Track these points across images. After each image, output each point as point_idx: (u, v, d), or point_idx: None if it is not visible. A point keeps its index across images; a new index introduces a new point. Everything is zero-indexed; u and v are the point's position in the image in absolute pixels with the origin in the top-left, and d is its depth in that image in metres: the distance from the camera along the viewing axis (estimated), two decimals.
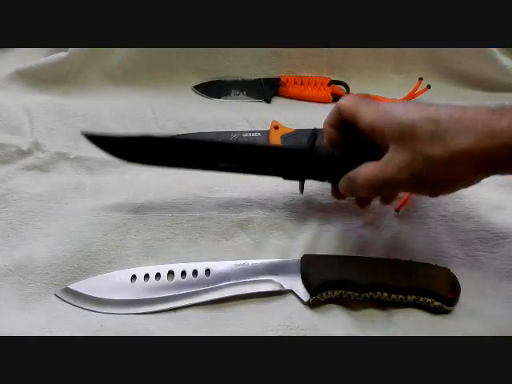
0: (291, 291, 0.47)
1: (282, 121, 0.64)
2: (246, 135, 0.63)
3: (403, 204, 0.53)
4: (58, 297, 0.48)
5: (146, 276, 0.48)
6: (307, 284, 0.47)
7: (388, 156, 0.43)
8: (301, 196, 0.54)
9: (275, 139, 0.62)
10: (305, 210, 0.54)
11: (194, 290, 0.47)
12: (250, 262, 0.49)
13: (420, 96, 0.68)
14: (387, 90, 0.70)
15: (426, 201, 0.54)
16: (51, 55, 0.68)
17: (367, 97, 0.47)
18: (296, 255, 0.50)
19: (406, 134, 0.41)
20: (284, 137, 0.62)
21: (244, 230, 0.53)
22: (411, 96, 0.68)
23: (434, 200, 0.54)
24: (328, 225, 0.54)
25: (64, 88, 0.68)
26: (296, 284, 0.47)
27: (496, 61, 0.68)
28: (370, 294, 0.46)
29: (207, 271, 0.48)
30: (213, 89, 0.71)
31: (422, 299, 0.46)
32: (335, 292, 0.46)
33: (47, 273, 0.49)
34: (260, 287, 0.47)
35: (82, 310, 0.47)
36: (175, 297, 0.47)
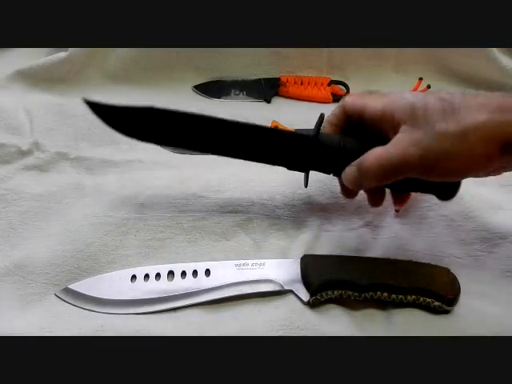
0: (291, 291, 0.47)
1: (282, 121, 0.64)
2: None
3: (403, 204, 0.53)
4: (58, 297, 0.48)
5: (146, 276, 0.48)
6: (307, 284, 0.47)
7: (398, 136, 0.42)
8: (301, 196, 0.54)
9: None
10: (305, 210, 0.54)
11: (193, 290, 0.47)
12: (250, 261, 0.49)
13: None
14: (387, 90, 0.69)
15: (426, 201, 0.54)
16: (51, 55, 0.68)
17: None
18: (296, 255, 0.50)
19: (418, 113, 0.41)
20: None
21: (244, 230, 0.53)
22: None
23: (434, 200, 0.54)
24: (328, 225, 0.54)
25: (64, 88, 0.68)
26: (296, 284, 0.47)
27: (496, 61, 0.68)
28: (370, 293, 0.46)
29: (207, 271, 0.48)
30: (213, 89, 0.71)
31: (422, 299, 0.46)
32: (335, 292, 0.46)
33: (47, 273, 0.49)
34: (260, 287, 0.47)
35: (82, 309, 0.47)
36: (175, 297, 0.47)
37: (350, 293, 0.46)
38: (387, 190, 0.48)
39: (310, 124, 0.56)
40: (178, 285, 0.48)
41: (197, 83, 0.71)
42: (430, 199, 0.54)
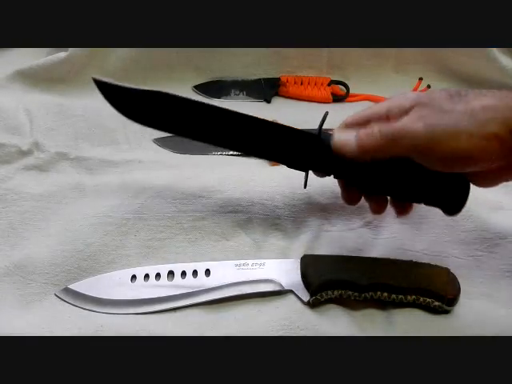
0: (291, 291, 0.47)
1: (281, 121, 0.63)
2: None
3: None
4: (58, 297, 0.48)
5: (146, 276, 0.48)
6: (307, 284, 0.47)
7: (403, 119, 0.41)
8: (301, 196, 0.54)
9: None
10: (305, 210, 0.54)
11: (194, 290, 0.47)
12: (250, 261, 0.49)
13: None
14: (387, 90, 0.70)
15: None
16: (51, 55, 0.68)
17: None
18: (296, 255, 0.50)
19: (423, 100, 0.40)
20: None
21: (244, 230, 0.53)
22: None
23: None
24: (328, 225, 0.54)
25: (64, 88, 0.68)
26: (296, 284, 0.47)
27: (496, 61, 0.68)
28: (370, 293, 0.46)
29: (207, 271, 0.48)
30: (213, 89, 0.71)
31: (422, 299, 0.46)
32: (335, 292, 0.46)
33: (47, 273, 0.49)
34: (260, 287, 0.47)
35: (82, 309, 0.47)
36: (175, 297, 0.47)
37: (350, 293, 0.46)
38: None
39: (309, 124, 0.56)
40: (178, 285, 0.48)
41: (197, 83, 0.71)
42: None
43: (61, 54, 0.67)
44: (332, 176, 0.47)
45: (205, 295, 0.47)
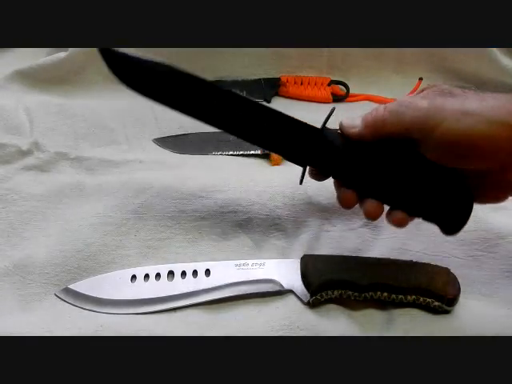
0: (291, 291, 0.47)
1: None
2: None
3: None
4: (58, 297, 0.48)
5: (146, 276, 0.48)
6: (307, 284, 0.47)
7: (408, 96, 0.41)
8: (301, 196, 0.54)
9: None
10: (305, 210, 0.54)
11: (193, 290, 0.47)
12: (250, 261, 0.49)
13: None
14: (387, 90, 0.70)
15: None
16: (51, 55, 0.68)
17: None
18: (296, 255, 0.50)
19: (432, 86, 0.41)
20: None
21: (244, 230, 0.53)
22: None
23: None
24: (328, 225, 0.54)
25: (64, 88, 0.68)
26: (296, 284, 0.47)
27: (496, 61, 0.68)
28: (370, 293, 0.46)
29: (207, 271, 0.48)
30: None
31: (422, 299, 0.46)
32: (335, 292, 0.46)
33: (47, 273, 0.49)
34: (260, 287, 0.47)
35: (82, 309, 0.47)
36: (175, 297, 0.47)
37: (350, 293, 0.46)
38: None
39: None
40: (178, 285, 0.48)
41: None
42: None
43: (61, 54, 0.67)
44: (330, 177, 0.46)
45: (205, 295, 0.47)
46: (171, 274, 0.48)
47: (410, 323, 0.46)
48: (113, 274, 0.49)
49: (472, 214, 0.52)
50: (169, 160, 0.61)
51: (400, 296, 0.46)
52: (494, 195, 0.44)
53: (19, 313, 0.46)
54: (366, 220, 0.53)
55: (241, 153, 0.62)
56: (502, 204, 0.54)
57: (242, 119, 0.44)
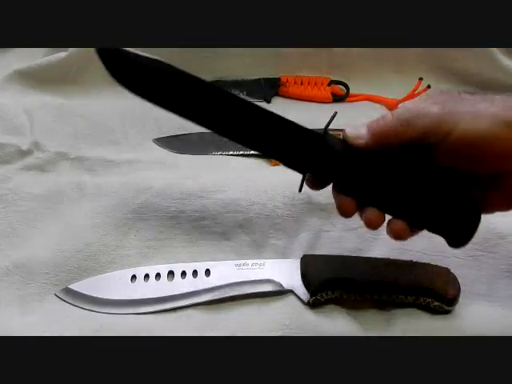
0: (291, 291, 0.47)
1: None
2: None
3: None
4: (58, 297, 0.48)
5: (146, 276, 0.48)
6: (307, 284, 0.47)
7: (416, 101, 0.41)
8: (301, 196, 0.54)
9: None
10: (305, 210, 0.54)
11: (193, 290, 0.47)
12: (250, 261, 0.49)
13: None
14: (387, 90, 0.70)
15: None
16: (51, 55, 0.68)
17: None
18: (296, 255, 0.50)
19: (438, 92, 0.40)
20: None
21: (244, 230, 0.53)
22: (411, 96, 0.68)
23: None
24: (328, 225, 0.54)
25: (64, 88, 0.68)
26: (296, 284, 0.47)
27: (496, 61, 0.68)
28: (370, 294, 0.46)
29: (207, 271, 0.48)
30: None
31: (422, 299, 0.46)
32: (335, 292, 0.46)
33: (47, 273, 0.49)
34: (260, 287, 0.47)
35: (82, 309, 0.47)
36: (175, 297, 0.47)
37: (350, 293, 0.46)
38: None
39: (309, 124, 0.56)
40: (178, 285, 0.48)
41: None
42: None
43: (60, 54, 0.67)
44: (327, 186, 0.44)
45: (205, 295, 0.47)
46: (171, 273, 0.48)
47: (410, 323, 0.46)
48: (113, 274, 0.49)
49: None
50: (169, 160, 0.61)
51: (400, 296, 0.46)
52: (506, 201, 0.42)
53: (19, 313, 0.46)
54: None
55: (241, 153, 0.62)
56: None
57: (238, 122, 0.43)
